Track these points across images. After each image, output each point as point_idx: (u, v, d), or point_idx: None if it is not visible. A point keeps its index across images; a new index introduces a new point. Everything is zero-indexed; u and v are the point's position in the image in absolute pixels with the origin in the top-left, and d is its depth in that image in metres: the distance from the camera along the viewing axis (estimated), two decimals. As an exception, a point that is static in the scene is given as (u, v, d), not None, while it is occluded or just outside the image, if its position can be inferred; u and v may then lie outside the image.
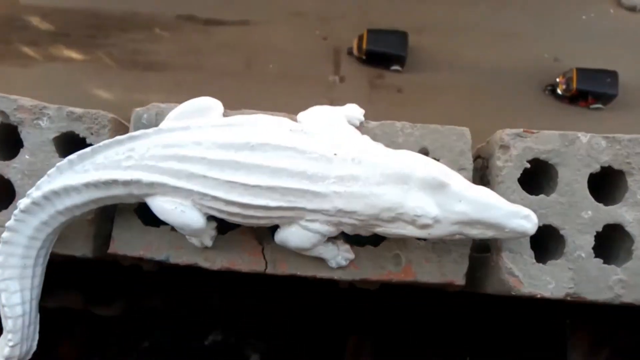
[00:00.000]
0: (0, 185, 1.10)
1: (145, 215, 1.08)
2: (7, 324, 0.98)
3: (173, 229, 1.06)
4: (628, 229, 1.01)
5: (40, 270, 1.03)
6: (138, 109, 1.11)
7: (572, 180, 1.03)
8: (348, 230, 0.96)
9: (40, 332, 1.07)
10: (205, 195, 0.92)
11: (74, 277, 1.62)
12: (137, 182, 0.95)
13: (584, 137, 1.04)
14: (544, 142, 1.05)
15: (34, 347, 1.05)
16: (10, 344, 0.98)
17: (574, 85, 6.44)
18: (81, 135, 1.11)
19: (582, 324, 2.99)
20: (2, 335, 1.00)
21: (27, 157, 1.10)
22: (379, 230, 0.93)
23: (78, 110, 1.12)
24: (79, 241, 1.08)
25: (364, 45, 5.53)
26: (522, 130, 1.05)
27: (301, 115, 1.03)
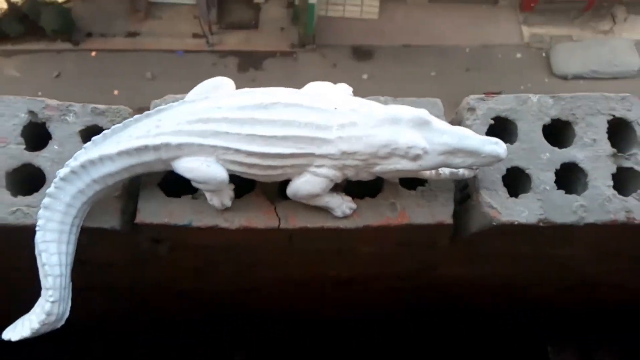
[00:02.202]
0: (29, 174, 1.22)
1: (167, 189, 1.21)
2: (47, 282, 1.07)
3: (193, 196, 1.19)
4: (581, 165, 1.21)
5: (74, 239, 1.13)
6: (155, 100, 1.27)
7: (530, 130, 1.23)
8: (351, 173, 1.11)
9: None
10: (228, 149, 1.08)
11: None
12: (166, 146, 1.09)
13: (534, 97, 1.26)
14: (502, 103, 1.26)
15: (67, 314, 1.12)
16: (51, 299, 1.06)
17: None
18: (104, 127, 1.25)
19: (564, 350, 3.13)
20: (41, 294, 1.08)
21: (55, 147, 1.22)
22: (377, 169, 1.10)
23: (101, 107, 1.27)
24: (107, 215, 1.19)
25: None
26: (484, 94, 1.26)
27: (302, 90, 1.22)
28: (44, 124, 1.25)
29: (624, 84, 10.21)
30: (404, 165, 1.08)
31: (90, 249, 1.20)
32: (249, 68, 11.19)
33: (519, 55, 11.15)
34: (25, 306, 1.12)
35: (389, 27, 11.96)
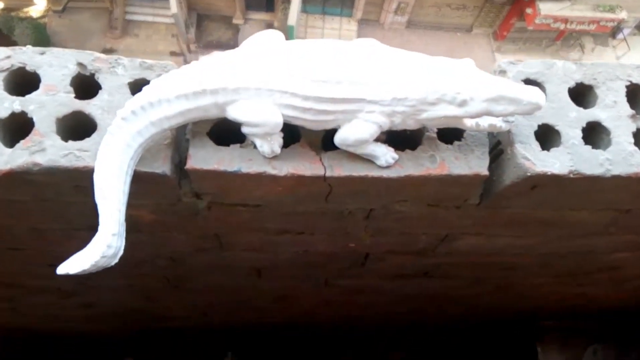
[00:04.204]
0: (79, 122, 1.24)
1: (217, 139, 1.25)
2: (107, 214, 1.09)
3: (242, 145, 1.23)
4: (604, 124, 1.30)
5: (129, 180, 1.15)
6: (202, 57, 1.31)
7: (557, 92, 1.32)
8: (398, 120, 1.17)
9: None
10: (285, 92, 1.12)
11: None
12: (223, 89, 1.13)
13: (559, 62, 1.36)
14: (530, 67, 1.35)
15: (122, 251, 1.13)
16: (112, 232, 1.08)
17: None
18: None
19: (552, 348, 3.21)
20: (99, 230, 1.09)
21: (105, 96, 1.25)
22: (424, 115, 1.16)
23: (149, 61, 1.30)
24: (158, 162, 1.22)
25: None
26: (513, 59, 1.35)
27: None
28: (92, 75, 1.27)
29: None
30: (450, 111, 1.14)
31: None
32: (228, 86, 11.19)
33: (491, 80, 11.49)
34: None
35: (367, 51, 12.16)
